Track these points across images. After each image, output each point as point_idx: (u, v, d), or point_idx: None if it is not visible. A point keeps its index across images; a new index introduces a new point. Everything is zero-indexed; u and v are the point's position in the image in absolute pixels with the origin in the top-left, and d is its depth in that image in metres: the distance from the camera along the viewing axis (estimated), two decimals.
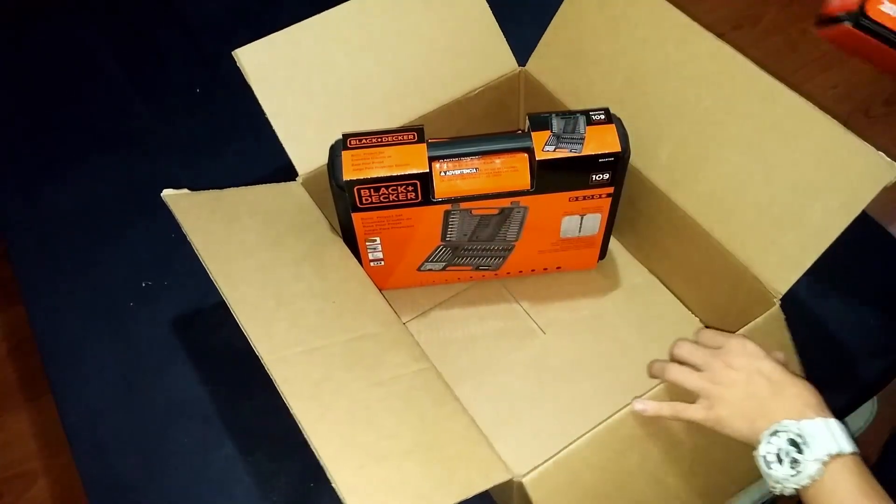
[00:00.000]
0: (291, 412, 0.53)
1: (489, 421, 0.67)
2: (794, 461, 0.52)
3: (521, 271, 0.80)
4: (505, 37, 0.82)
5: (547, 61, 0.81)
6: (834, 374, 0.76)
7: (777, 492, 0.54)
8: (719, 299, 0.72)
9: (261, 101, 0.73)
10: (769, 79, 0.64)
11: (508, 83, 0.83)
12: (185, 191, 0.67)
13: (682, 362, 0.60)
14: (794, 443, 0.53)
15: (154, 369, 0.77)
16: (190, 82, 1.03)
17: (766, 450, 0.54)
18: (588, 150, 0.65)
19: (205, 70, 1.03)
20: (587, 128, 0.66)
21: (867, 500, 0.51)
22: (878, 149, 0.58)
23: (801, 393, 0.56)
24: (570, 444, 0.55)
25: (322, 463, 0.51)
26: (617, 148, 0.65)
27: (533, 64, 0.83)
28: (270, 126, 0.73)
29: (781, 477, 0.53)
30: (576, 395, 0.71)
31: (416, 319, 0.79)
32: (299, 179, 0.74)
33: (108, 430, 0.74)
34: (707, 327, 0.67)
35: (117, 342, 0.79)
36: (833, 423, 0.53)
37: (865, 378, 0.77)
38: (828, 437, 0.52)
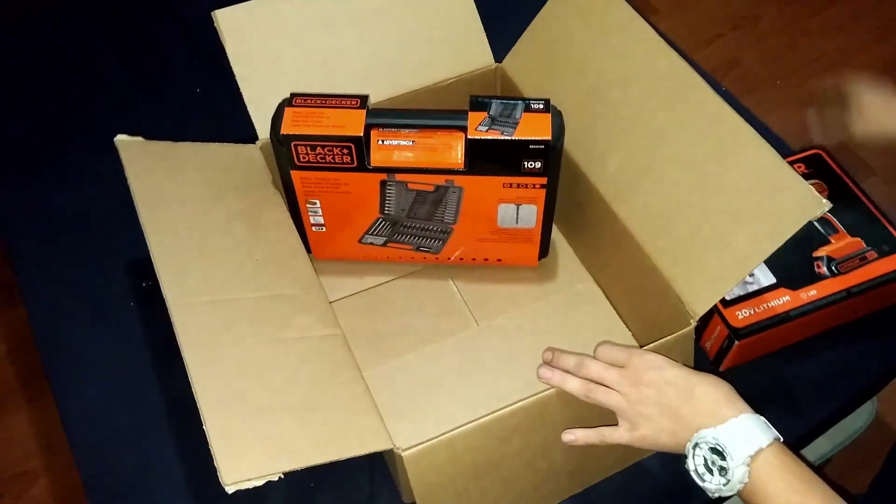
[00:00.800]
0: (182, 357, 0.54)
1: (398, 398, 0.72)
2: (722, 469, 0.53)
3: (461, 259, 0.80)
4: (492, 34, 0.83)
5: (522, 61, 0.82)
6: (833, 374, 0.76)
7: (715, 497, 0.55)
8: (648, 314, 0.73)
9: (232, 64, 0.74)
10: (719, 101, 0.64)
11: (483, 78, 0.84)
12: (140, 139, 0.68)
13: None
14: (715, 451, 0.53)
15: (154, 369, 0.77)
16: (190, 82, 1.03)
17: (694, 464, 0.54)
18: (519, 134, 0.66)
19: (205, 70, 1.03)
20: (524, 114, 0.67)
21: (797, 494, 0.51)
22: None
23: (708, 391, 0.56)
24: (456, 428, 0.57)
25: (199, 406, 0.52)
26: (548, 136, 0.66)
27: (509, 62, 0.83)
28: None
29: (715, 488, 0.53)
30: (492, 389, 0.72)
31: (356, 295, 0.81)
32: (259, 143, 0.75)
33: (108, 430, 0.74)
34: (642, 345, 0.68)
35: (117, 342, 0.79)
36: (745, 419, 0.53)
37: (865, 378, 0.77)
38: (743, 437, 0.52)
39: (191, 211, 0.67)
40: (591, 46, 0.75)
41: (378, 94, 0.79)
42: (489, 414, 0.57)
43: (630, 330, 0.77)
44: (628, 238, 0.70)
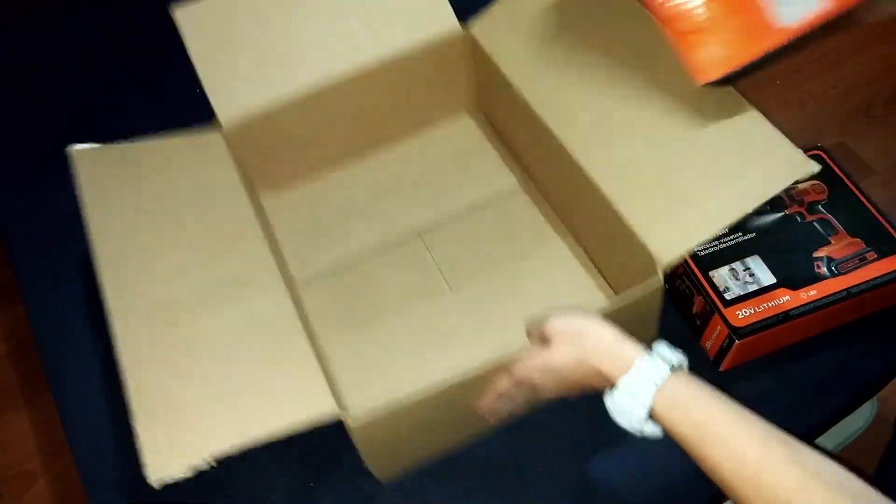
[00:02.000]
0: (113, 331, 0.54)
1: (360, 368, 0.72)
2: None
3: None
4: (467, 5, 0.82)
5: (494, 26, 0.81)
6: (833, 374, 0.76)
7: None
8: (620, 269, 0.72)
9: (192, 58, 0.75)
10: None
11: (450, 47, 0.82)
12: (96, 145, 0.69)
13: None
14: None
15: None
16: (190, 82, 1.03)
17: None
18: None
19: None
20: None
21: (696, 430, 0.50)
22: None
23: (593, 362, 0.55)
24: (408, 398, 0.57)
25: (129, 405, 0.52)
26: None
27: (478, 28, 0.82)
28: None
29: (650, 434, 0.54)
30: (462, 358, 0.68)
31: (327, 267, 0.80)
32: (222, 130, 0.76)
33: (108, 430, 0.74)
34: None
35: None
36: (622, 391, 0.53)
37: (865, 378, 0.77)
38: (626, 414, 0.53)
39: (144, 212, 0.67)
40: (569, 11, 0.75)
41: (343, 70, 0.79)
42: (443, 386, 0.57)
43: (608, 283, 0.77)
44: (594, 191, 0.69)
